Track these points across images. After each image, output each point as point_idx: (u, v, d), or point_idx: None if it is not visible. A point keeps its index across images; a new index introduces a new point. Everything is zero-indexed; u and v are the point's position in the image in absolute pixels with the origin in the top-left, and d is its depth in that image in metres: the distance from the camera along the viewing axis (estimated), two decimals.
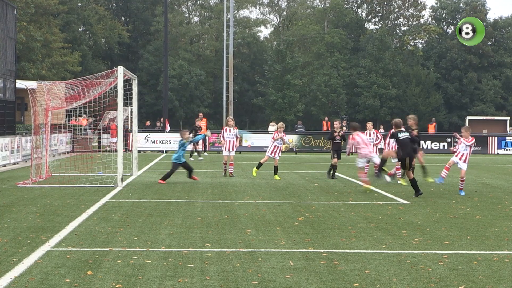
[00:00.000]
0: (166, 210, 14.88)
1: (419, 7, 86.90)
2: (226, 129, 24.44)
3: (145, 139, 41.96)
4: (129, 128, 36.68)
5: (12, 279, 8.48)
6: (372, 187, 19.54)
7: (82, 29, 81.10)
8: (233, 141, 24.19)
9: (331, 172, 23.78)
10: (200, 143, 36.50)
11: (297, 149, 42.84)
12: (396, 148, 19.88)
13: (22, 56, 59.30)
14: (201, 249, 10.50)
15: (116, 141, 22.84)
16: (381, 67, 77.04)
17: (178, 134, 43.18)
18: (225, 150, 24.28)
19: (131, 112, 28.90)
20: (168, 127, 46.34)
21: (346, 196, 18.23)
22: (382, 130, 52.25)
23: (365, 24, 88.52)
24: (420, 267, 9.43)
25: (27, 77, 55.69)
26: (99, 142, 40.09)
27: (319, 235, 11.86)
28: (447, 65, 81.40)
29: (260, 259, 9.81)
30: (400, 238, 11.72)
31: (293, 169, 28.37)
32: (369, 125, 25.16)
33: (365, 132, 25.33)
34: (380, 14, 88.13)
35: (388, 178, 21.67)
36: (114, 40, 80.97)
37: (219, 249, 10.50)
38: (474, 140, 19.00)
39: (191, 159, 33.32)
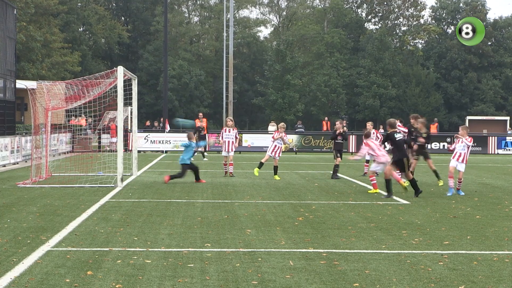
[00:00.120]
0: (166, 210, 14.88)
1: (419, 7, 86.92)
2: (225, 130, 24.48)
3: (145, 139, 41.96)
4: (129, 128, 36.68)
5: (12, 279, 8.48)
6: (380, 191, 19.41)
7: (82, 29, 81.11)
8: (232, 141, 24.22)
9: (335, 171, 23.70)
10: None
11: (297, 149, 42.84)
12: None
13: (22, 56, 59.30)
14: (201, 249, 10.50)
15: (116, 141, 22.84)
16: (381, 67, 77.04)
17: (178, 134, 43.42)
18: (224, 150, 24.35)
19: (131, 112, 28.88)
20: (168, 127, 46.32)
21: (346, 196, 18.23)
22: (382, 130, 52.24)
23: (365, 24, 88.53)
24: (420, 267, 9.43)
25: (27, 77, 55.68)
26: (99, 142, 40.10)
27: (319, 235, 11.86)
28: (447, 65, 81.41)
29: (260, 259, 9.81)
30: (400, 238, 11.72)
31: (293, 169, 28.37)
32: (369, 125, 25.16)
33: None
34: (380, 14, 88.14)
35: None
36: (114, 40, 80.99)
37: (219, 249, 10.50)
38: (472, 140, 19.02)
39: (205, 159, 33.52)
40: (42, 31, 63.21)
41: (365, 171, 25.24)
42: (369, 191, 19.23)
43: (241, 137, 41.91)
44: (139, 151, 36.75)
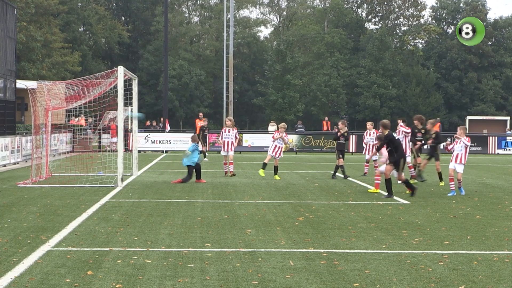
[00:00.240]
0: (166, 210, 14.89)
1: (419, 7, 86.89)
2: (225, 130, 24.50)
3: (145, 139, 41.96)
4: (129, 128, 36.69)
5: (12, 279, 8.48)
6: (380, 191, 19.38)
7: (82, 29, 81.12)
8: (231, 141, 24.22)
9: (343, 172, 23.61)
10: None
11: (297, 149, 42.83)
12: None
13: (22, 56, 59.30)
14: (201, 249, 10.50)
15: (116, 141, 22.84)
16: (381, 67, 77.02)
17: (178, 134, 43.43)
18: (223, 150, 24.39)
19: (131, 112, 28.87)
20: (168, 127, 46.33)
21: (346, 196, 18.23)
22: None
23: (365, 24, 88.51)
24: (420, 267, 9.44)
25: (27, 77, 55.67)
26: (99, 142, 40.10)
27: (319, 235, 11.86)
28: (447, 65, 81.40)
29: (260, 259, 9.81)
30: (400, 238, 11.72)
31: (293, 169, 28.37)
32: (369, 125, 25.16)
33: (366, 132, 25.37)
34: (380, 14, 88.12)
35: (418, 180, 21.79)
36: (114, 40, 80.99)
37: (219, 249, 10.50)
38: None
39: (206, 159, 33.58)
40: (42, 31, 63.21)
41: (365, 171, 25.24)
42: (369, 190, 19.26)
43: (241, 137, 41.91)
44: (139, 151, 36.77)
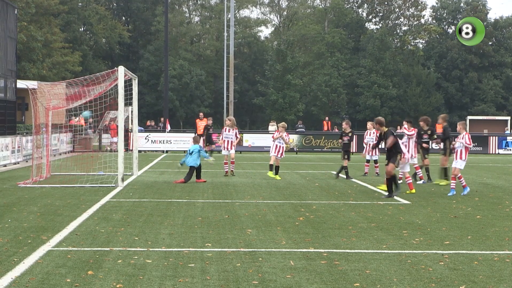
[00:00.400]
0: (167, 210, 14.89)
1: (419, 7, 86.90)
2: (225, 129, 24.52)
3: (145, 139, 41.97)
4: (130, 128, 36.71)
5: (12, 279, 8.48)
6: (379, 189, 19.34)
7: (82, 29, 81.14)
8: (231, 140, 24.23)
9: (346, 172, 23.56)
10: (201, 142, 36.55)
11: (297, 149, 42.83)
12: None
13: (23, 56, 59.32)
14: (201, 249, 10.50)
15: (117, 140, 22.85)
16: (381, 67, 77.03)
17: (178, 134, 43.42)
18: (224, 149, 24.40)
19: (132, 112, 28.91)
20: (168, 127, 46.34)
21: (347, 196, 18.22)
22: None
23: (366, 24, 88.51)
24: (421, 267, 9.43)
25: (28, 77, 55.71)
26: (100, 142, 40.09)
27: (320, 235, 11.86)
28: (447, 65, 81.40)
29: (260, 259, 9.81)
30: (401, 238, 11.72)
31: (293, 169, 28.36)
32: (370, 125, 25.13)
33: (366, 132, 25.37)
34: (380, 14, 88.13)
35: (420, 182, 21.75)
36: (115, 40, 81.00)
37: (219, 249, 10.50)
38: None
39: (212, 159, 33.59)
40: (42, 31, 63.24)
41: (365, 171, 25.24)
42: (407, 192, 18.86)
43: (242, 136, 41.90)
44: (139, 151, 36.78)
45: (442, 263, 9.70)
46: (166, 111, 49.10)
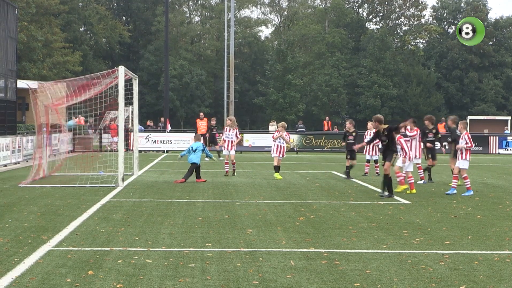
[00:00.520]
0: (167, 210, 14.88)
1: (420, 6, 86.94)
2: (226, 129, 24.55)
3: (146, 138, 41.97)
4: (130, 128, 36.71)
5: (13, 279, 8.48)
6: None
7: (83, 29, 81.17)
8: (232, 140, 24.24)
9: (347, 172, 23.52)
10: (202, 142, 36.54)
11: (298, 149, 42.83)
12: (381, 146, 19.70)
13: (23, 56, 59.33)
14: (202, 249, 10.50)
15: (117, 140, 22.84)
16: (382, 67, 77.03)
17: (178, 134, 43.42)
18: (225, 149, 24.44)
19: (132, 112, 28.91)
20: (169, 127, 46.33)
21: (347, 196, 18.22)
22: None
23: (366, 24, 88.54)
24: (421, 267, 9.43)
25: (28, 77, 55.72)
26: (100, 142, 40.09)
27: (320, 235, 11.86)
28: (448, 65, 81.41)
29: (261, 259, 9.81)
30: (401, 238, 11.71)
31: (294, 168, 28.36)
32: (370, 124, 25.11)
33: (366, 131, 25.36)
34: (381, 14, 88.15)
35: (421, 182, 21.71)
36: (115, 40, 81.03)
37: (220, 249, 10.50)
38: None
39: (221, 158, 33.56)
40: (43, 31, 63.25)
41: (366, 171, 25.23)
42: (407, 192, 18.87)
43: (242, 136, 41.88)
44: (140, 151, 36.77)
45: (443, 263, 9.70)
46: (166, 111, 49.11)
